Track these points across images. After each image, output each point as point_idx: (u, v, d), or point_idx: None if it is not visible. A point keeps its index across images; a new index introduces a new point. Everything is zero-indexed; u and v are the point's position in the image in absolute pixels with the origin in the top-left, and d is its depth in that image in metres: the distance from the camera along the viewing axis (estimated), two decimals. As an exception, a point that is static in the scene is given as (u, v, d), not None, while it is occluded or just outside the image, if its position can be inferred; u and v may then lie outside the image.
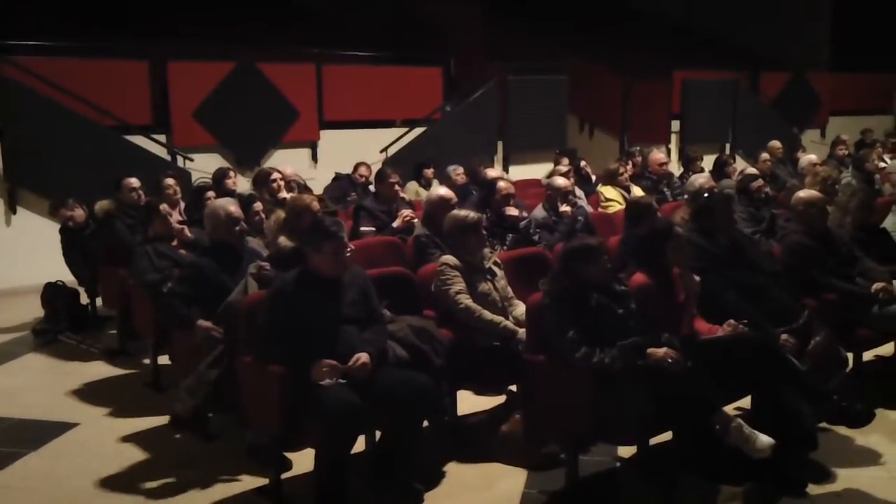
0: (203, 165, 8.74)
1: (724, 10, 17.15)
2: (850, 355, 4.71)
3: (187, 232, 5.62)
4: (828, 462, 4.01)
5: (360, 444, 3.88)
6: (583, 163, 8.78)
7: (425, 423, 3.95)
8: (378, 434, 3.96)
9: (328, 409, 3.44)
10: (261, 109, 9.63)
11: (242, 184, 7.94)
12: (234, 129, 9.49)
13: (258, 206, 5.65)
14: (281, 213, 4.99)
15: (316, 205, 5.00)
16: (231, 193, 6.81)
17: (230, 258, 4.47)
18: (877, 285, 4.73)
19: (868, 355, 5.14)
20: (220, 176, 7.24)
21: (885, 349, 5.34)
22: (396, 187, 6.40)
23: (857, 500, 3.74)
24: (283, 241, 4.57)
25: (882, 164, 9.16)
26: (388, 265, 4.79)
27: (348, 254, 3.80)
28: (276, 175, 6.63)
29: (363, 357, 3.60)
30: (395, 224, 5.92)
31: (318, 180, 8.77)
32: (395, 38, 12.94)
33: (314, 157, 10.12)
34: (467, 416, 4.69)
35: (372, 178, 7.53)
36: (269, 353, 3.68)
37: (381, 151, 10.24)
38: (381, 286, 4.06)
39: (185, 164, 9.03)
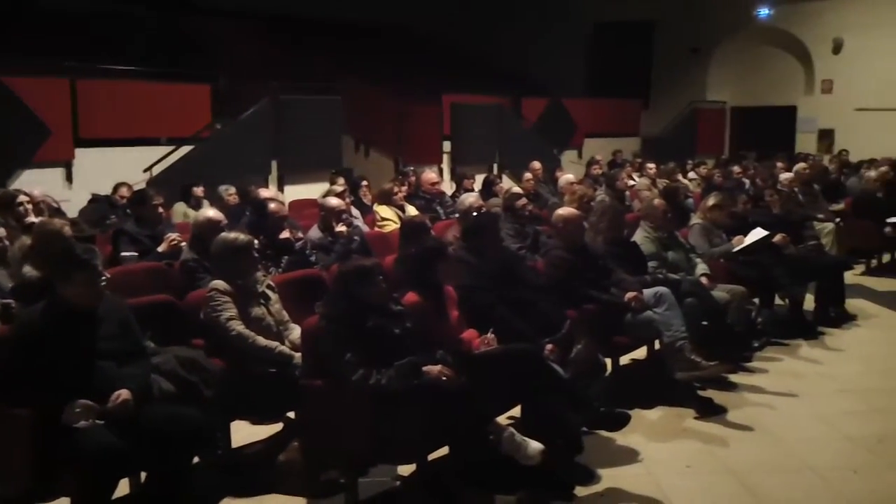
0: (-64, 188, 7.81)
1: (488, 38, 18.07)
2: (608, 361, 5.07)
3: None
4: (592, 464, 4.26)
5: (123, 488, 3.60)
6: (364, 182, 8.69)
7: (196, 459, 3.73)
8: (144, 475, 3.69)
9: (84, 455, 3.17)
10: (6, 127, 8.75)
11: (-16, 208, 7.16)
12: (-26, 148, 8.57)
13: (1, 232, 5.10)
14: (27, 240, 4.57)
15: (68, 230, 4.63)
16: (-32, 219, 6.14)
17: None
18: (629, 295, 5.09)
19: (625, 360, 5.56)
20: (-45, 200, 6.48)
21: (639, 353, 5.78)
22: (160, 209, 6.05)
23: (618, 497, 3.99)
24: (28, 270, 4.19)
25: (631, 182, 10.00)
26: (152, 293, 4.51)
27: (103, 283, 3.52)
28: (22, 198, 6.07)
29: (123, 394, 3.36)
30: (160, 248, 5.59)
31: (74, 202, 8.18)
32: (160, 52, 12.35)
33: (69, 178, 9.36)
34: (243, 448, 4.50)
35: (135, 200, 7.06)
36: (13, 396, 3.31)
37: (145, 171, 9.69)
38: (143, 316, 3.84)
39: (-87, 186, 8.02)
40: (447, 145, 13.33)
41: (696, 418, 4.99)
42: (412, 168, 10.36)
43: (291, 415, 4.44)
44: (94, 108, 9.67)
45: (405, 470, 4.20)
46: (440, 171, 12.32)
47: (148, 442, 3.36)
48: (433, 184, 8.70)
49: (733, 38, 18.46)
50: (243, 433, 4.53)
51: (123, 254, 5.54)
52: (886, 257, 9.66)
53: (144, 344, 3.72)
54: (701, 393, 5.30)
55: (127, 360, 3.53)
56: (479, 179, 10.02)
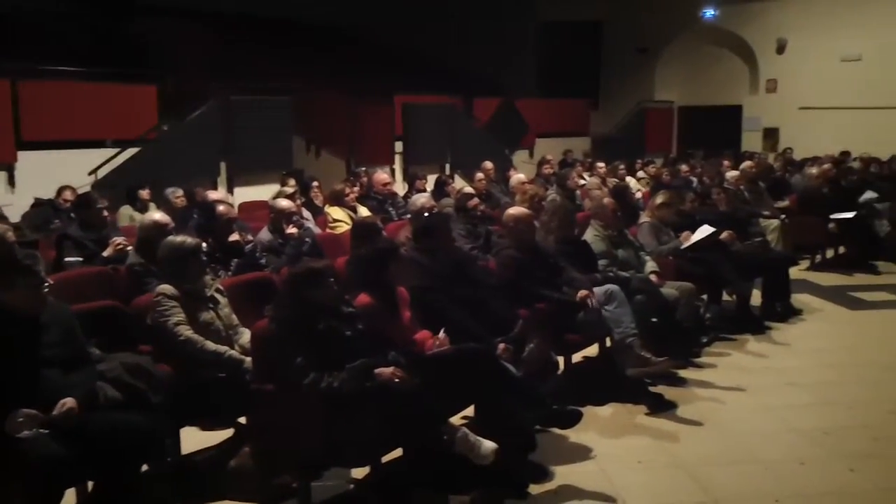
0: None
1: (440, 39, 18.07)
2: (560, 359, 5.11)
3: None
4: (545, 461, 4.28)
5: (69, 498, 3.51)
6: (315, 183, 8.60)
7: (145, 467, 3.66)
8: (91, 484, 3.61)
9: (29, 465, 3.09)
10: (-56, 129, 8.53)
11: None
12: None
13: (-61, 237, 4.96)
14: (-33, 246, 4.44)
15: (11, 235, 4.53)
16: None
17: None
18: (581, 293, 5.12)
19: (577, 357, 5.60)
20: None
21: (591, 351, 5.83)
22: (105, 213, 5.93)
23: (571, 494, 4.01)
24: (-32, 277, 4.04)
25: (582, 182, 10.09)
26: (97, 298, 4.42)
27: (46, 289, 3.43)
28: (-39, 203, 5.90)
29: (68, 402, 3.27)
30: (105, 253, 5.48)
31: (16, 207, 7.98)
32: (105, 52, 12.08)
33: (11, 181, 9.14)
34: (193, 455, 4.42)
35: (80, 204, 6.90)
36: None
37: (90, 174, 9.50)
38: (89, 322, 3.75)
39: None
40: (399, 146, 13.31)
41: (647, 414, 5.05)
42: (364, 169, 10.32)
43: (242, 420, 4.38)
44: (36, 109, 9.44)
45: (359, 473, 4.17)
46: (392, 172, 12.30)
47: (95, 450, 3.28)
48: (385, 184, 8.68)
49: (680, 39, 18.77)
50: (193, 439, 4.45)
51: (67, 259, 5.43)
52: (830, 253, 9.89)
53: (89, 350, 3.62)
54: (652, 389, 5.37)
55: (72, 368, 3.44)
56: (431, 180, 10.03)
